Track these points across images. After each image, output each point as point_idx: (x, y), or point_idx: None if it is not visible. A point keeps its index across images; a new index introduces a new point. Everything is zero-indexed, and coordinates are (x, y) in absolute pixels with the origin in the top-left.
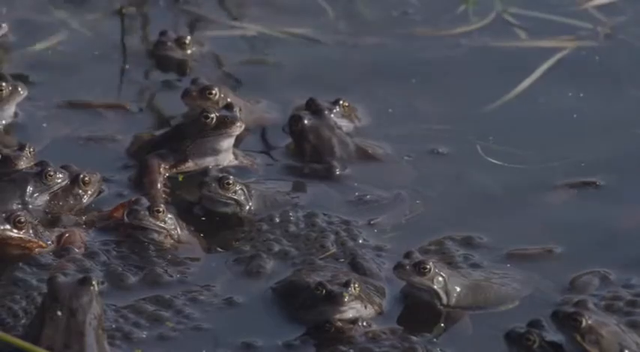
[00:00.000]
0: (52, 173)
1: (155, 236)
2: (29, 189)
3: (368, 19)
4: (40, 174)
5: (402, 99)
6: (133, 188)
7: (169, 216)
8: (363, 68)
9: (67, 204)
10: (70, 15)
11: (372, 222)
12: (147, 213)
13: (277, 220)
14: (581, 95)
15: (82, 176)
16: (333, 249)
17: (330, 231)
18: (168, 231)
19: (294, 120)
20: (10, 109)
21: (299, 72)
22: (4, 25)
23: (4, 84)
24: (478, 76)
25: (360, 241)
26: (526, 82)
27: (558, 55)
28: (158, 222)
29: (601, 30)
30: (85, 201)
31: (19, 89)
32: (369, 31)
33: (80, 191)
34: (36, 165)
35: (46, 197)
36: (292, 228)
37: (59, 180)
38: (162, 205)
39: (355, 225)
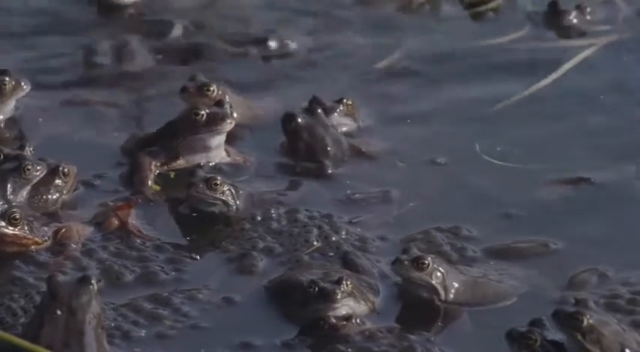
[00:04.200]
0: (29, 167)
1: (214, 208)
2: (8, 185)
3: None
4: (17, 168)
5: (406, 99)
6: (125, 185)
7: (226, 187)
8: (365, 67)
9: (49, 197)
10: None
11: (353, 221)
12: (204, 186)
13: (259, 218)
14: (602, 97)
15: (61, 168)
16: (318, 244)
17: (312, 226)
18: (225, 202)
19: (288, 118)
20: (12, 104)
21: (302, 70)
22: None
23: (7, 78)
24: (489, 75)
25: (344, 235)
26: (538, 84)
27: (578, 57)
28: (216, 195)
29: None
30: (65, 193)
31: (22, 83)
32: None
33: (60, 182)
34: (13, 159)
35: (25, 191)
36: (275, 225)
37: (37, 173)
38: (218, 177)
39: (339, 220)
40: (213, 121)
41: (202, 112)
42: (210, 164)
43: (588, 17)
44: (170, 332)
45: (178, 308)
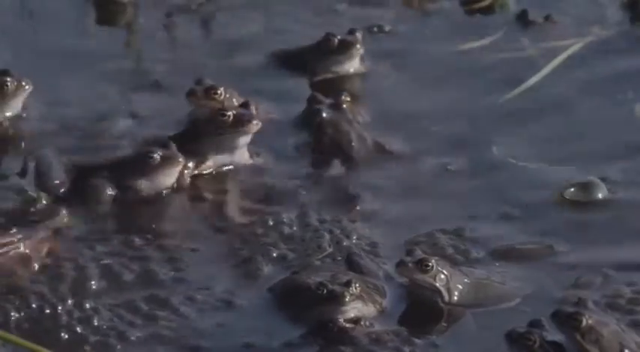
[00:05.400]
0: None
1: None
2: None
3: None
4: None
5: (404, 97)
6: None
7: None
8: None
9: None
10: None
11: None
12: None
13: (271, 223)
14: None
15: None
16: (330, 249)
17: (323, 230)
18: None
19: (314, 113)
20: (17, 104)
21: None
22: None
23: (9, 79)
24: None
25: (355, 238)
26: (531, 80)
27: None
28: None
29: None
30: None
31: (24, 84)
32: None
33: None
34: None
35: None
36: (286, 230)
37: None
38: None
39: (350, 221)
40: (240, 122)
41: (229, 113)
42: (234, 165)
43: (557, 21)
44: (172, 334)
45: (179, 310)
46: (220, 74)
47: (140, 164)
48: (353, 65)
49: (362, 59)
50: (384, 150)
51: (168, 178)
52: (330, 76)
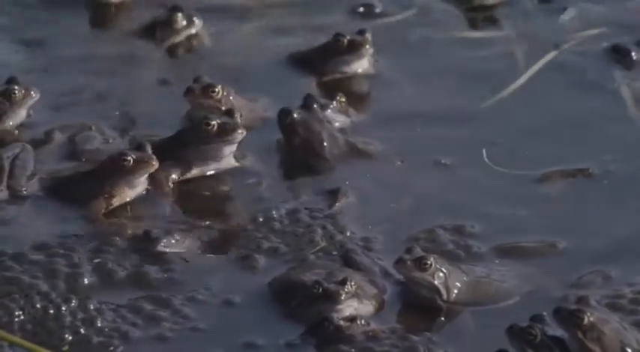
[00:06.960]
0: None
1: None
2: None
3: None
4: None
5: (397, 97)
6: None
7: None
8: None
9: None
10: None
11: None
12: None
13: (261, 219)
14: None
15: None
16: (323, 244)
17: (316, 226)
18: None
19: (284, 114)
20: (23, 112)
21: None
22: None
23: (16, 87)
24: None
25: (348, 234)
26: (519, 81)
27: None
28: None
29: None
30: None
31: (32, 92)
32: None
33: None
34: None
35: None
36: (277, 226)
37: None
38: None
39: (342, 218)
40: (224, 132)
41: (213, 122)
42: (220, 170)
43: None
44: (170, 334)
45: (179, 310)
46: (224, 73)
47: (115, 166)
48: (362, 65)
49: (371, 59)
50: (357, 149)
51: (142, 180)
52: (338, 76)
